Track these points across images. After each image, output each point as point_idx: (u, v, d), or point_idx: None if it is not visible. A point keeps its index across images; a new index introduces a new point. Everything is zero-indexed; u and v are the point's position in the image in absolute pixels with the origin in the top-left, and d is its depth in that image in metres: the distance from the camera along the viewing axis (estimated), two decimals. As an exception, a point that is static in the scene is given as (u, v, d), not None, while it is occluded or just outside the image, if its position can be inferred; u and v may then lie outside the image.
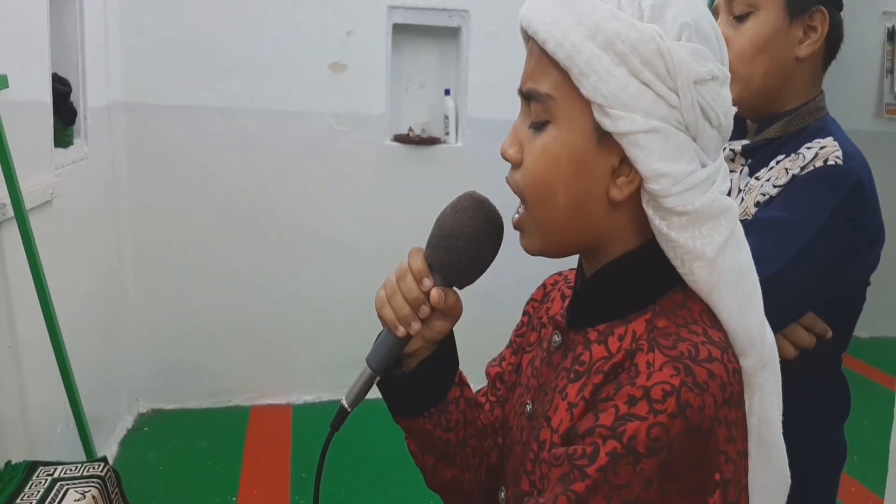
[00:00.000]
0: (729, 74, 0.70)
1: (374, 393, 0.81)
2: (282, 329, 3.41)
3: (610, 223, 0.70)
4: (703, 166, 0.68)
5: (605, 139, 0.67)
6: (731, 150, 1.18)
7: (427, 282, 0.74)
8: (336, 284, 3.43)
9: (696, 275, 0.68)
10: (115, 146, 3.08)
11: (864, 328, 4.27)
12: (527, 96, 0.70)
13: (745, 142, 1.18)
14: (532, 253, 0.74)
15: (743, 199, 1.13)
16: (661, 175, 0.65)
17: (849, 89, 4.22)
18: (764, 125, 1.16)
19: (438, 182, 3.45)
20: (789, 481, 0.79)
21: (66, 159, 2.50)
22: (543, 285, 0.90)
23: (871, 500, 2.72)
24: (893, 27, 4.47)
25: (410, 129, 3.52)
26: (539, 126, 0.69)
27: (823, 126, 1.13)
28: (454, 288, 0.76)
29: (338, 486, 2.68)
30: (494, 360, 0.91)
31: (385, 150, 3.46)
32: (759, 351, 0.71)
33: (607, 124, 0.66)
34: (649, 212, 0.67)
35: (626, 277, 0.71)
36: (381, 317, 0.77)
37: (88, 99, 2.72)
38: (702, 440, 0.61)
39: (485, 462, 0.85)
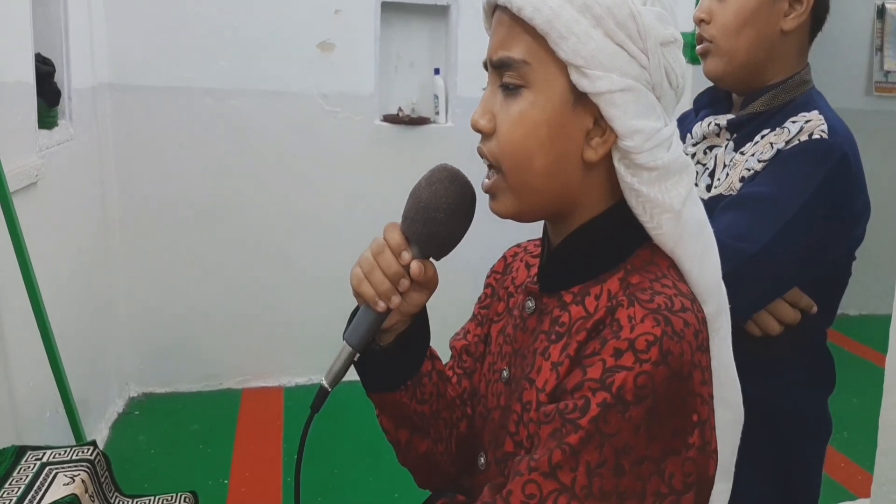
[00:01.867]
0: (682, 39, 0.73)
1: (350, 375, 0.80)
2: (272, 311, 3.40)
3: (583, 185, 0.73)
4: (666, 125, 0.72)
5: (581, 101, 0.70)
6: (716, 124, 1.17)
7: (406, 255, 0.75)
8: (326, 266, 3.42)
9: (664, 227, 0.71)
10: (101, 128, 3.05)
11: (854, 306, 4.29)
12: (498, 65, 0.72)
13: (730, 116, 1.17)
14: (503, 216, 0.75)
15: (728, 175, 1.12)
16: (636, 132, 0.69)
17: (839, 67, 4.22)
18: (749, 99, 1.16)
19: (429, 162, 3.36)
20: (743, 418, 0.82)
21: (51, 141, 2.47)
22: (504, 257, 0.92)
23: (860, 474, 2.74)
24: (883, 5, 4.46)
25: (400, 109, 3.50)
26: (513, 90, 0.71)
27: (809, 100, 1.12)
28: (431, 259, 0.77)
29: (327, 467, 2.69)
30: (458, 333, 0.92)
31: (375, 131, 3.44)
32: (717, 298, 0.75)
33: (585, 85, 0.68)
34: (621, 169, 0.71)
35: (596, 240, 0.74)
36: (359, 293, 0.77)
37: (73, 80, 2.68)
38: (681, 385, 0.65)
39: (454, 433, 0.87)
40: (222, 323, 3.34)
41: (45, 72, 2.46)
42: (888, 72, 4.48)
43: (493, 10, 0.73)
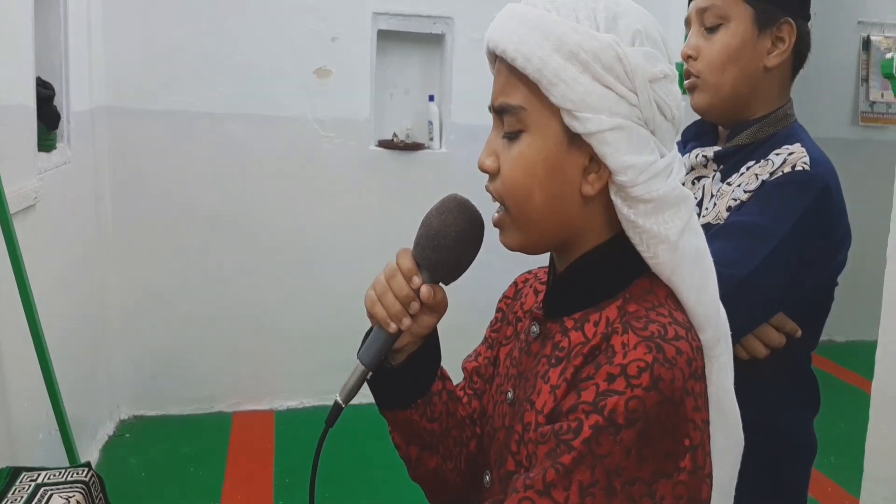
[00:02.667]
0: (676, 72, 0.76)
1: (358, 398, 0.83)
2: (265, 335, 3.41)
3: (583, 218, 0.77)
4: (662, 156, 0.75)
5: (575, 141, 0.74)
6: (703, 156, 1.21)
7: (416, 279, 0.79)
8: (320, 290, 3.43)
9: (661, 257, 0.75)
10: (98, 151, 3.07)
11: (840, 332, 4.33)
12: (499, 111, 0.77)
13: (716, 148, 1.21)
14: (512, 248, 0.80)
15: (715, 204, 1.16)
16: (628, 167, 0.72)
17: (825, 97, 4.31)
18: (735, 132, 1.20)
19: (423, 187, 3.47)
20: (743, 443, 0.84)
21: (50, 163, 2.49)
22: (515, 283, 0.96)
23: (847, 499, 2.76)
24: (868, 37, 4.56)
25: (395, 135, 3.54)
26: (513, 136, 0.76)
27: (792, 133, 1.17)
28: (440, 284, 0.81)
29: (324, 489, 2.69)
30: (470, 356, 0.96)
31: (370, 156, 3.48)
32: (715, 325, 0.78)
33: (577, 126, 0.72)
34: (617, 202, 0.74)
35: (597, 269, 0.78)
36: (372, 314, 0.81)
37: (72, 103, 2.71)
38: (673, 410, 0.68)
39: (464, 451, 0.90)
40: (214, 346, 3.35)
41: (44, 95, 2.49)
42: (873, 102, 4.57)
43: (496, 58, 0.78)
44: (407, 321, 0.79)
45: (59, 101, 2.62)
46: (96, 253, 3.05)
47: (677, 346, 0.69)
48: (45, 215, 2.37)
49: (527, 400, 0.78)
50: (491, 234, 0.82)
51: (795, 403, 1.19)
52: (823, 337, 1.20)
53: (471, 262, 0.81)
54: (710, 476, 0.72)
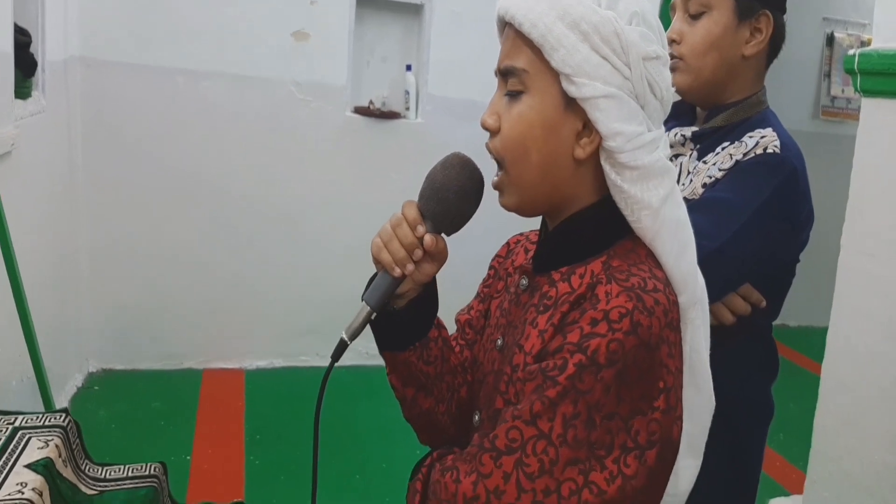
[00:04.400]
0: (669, 57, 0.84)
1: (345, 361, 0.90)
2: (237, 295, 3.43)
3: (574, 180, 0.84)
4: (650, 131, 0.82)
5: (571, 106, 0.80)
6: (681, 135, 1.29)
7: (421, 228, 0.86)
8: (292, 253, 3.46)
9: (643, 222, 0.82)
10: (72, 101, 3.04)
11: (793, 317, 4.51)
12: (504, 72, 0.83)
13: (694, 128, 1.30)
14: (509, 209, 0.87)
15: (692, 181, 1.24)
16: (617, 133, 0.79)
17: (789, 91, 4.44)
18: (711, 114, 1.29)
19: (397, 156, 3.51)
20: (714, 404, 0.92)
21: (25, 111, 2.47)
22: (507, 243, 1.04)
23: (794, 473, 2.93)
24: (832, 33, 4.70)
25: (371, 102, 3.56)
26: (514, 95, 0.83)
27: (764, 118, 1.26)
28: (442, 235, 0.88)
29: (291, 448, 2.75)
30: (463, 309, 1.04)
31: (345, 122, 3.50)
32: (692, 290, 0.85)
33: (573, 91, 0.79)
34: (606, 167, 0.81)
35: (584, 228, 0.85)
36: (378, 260, 0.88)
37: (47, 52, 2.67)
38: (649, 354, 0.75)
39: (455, 396, 0.98)
40: (185, 303, 3.36)
41: (22, 42, 2.46)
42: (834, 97, 4.72)
43: (504, 26, 0.85)
44: (410, 266, 0.86)
45: (34, 49, 2.58)
46: (68, 204, 3.03)
47: (655, 297, 0.76)
48: (21, 163, 2.36)
49: (515, 344, 0.86)
50: (488, 199, 0.89)
51: (756, 368, 1.29)
52: (777, 322, 1.30)
53: (471, 216, 0.88)
54: (680, 419, 0.79)
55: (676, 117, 1.36)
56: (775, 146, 1.19)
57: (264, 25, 3.31)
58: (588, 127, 0.80)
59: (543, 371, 0.76)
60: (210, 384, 3.28)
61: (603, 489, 0.73)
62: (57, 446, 1.70)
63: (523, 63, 0.81)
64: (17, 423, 1.75)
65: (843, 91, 4.70)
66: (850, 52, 2.00)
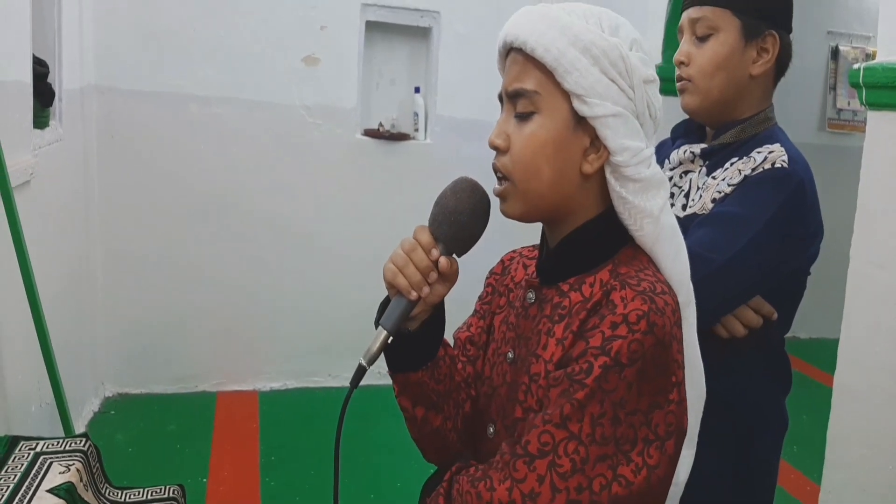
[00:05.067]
0: (659, 80, 0.90)
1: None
2: (249, 317, 3.45)
3: (579, 193, 0.89)
4: (647, 147, 0.88)
5: (580, 124, 0.86)
6: (691, 152, 1.32)
7: (436, 252, 0.90)
8: (303, 274, 3.49)
9: (645, 230, 0.87)
10: (87, 129, 3.08)
11: (805, 330, 4.50)
12: (513, 95, 0.88)
13: (703, 145, 1.32)
14: (512, 217, 0.91)
15: (701, 196, 1.26)
16: (625, 149, 0.85)
17: (794, 104, 4.44)
18: (720, 132, 1.31)
19: (407, 177, 3.55)
20: (705, 395, 0.97)
21: (44, 140, 2.51)
22: (502, 261, 1.07)
23: (808, 485, 2.91)
24: (837, 46, 4.72)
25: (381, 125, 3.60)
26: (525, 117, 0.87)
27: (772, 134, 1.28)
28: (454, 256, 0.91)
29: (306, 473, 2.76)
30: (461, 327, 1.06)
31: (355, 144, 3.53)
32: (686, 291, 0.91)
33: (585, 110, 0.84)
34: (611, 180, 0.87)
35: (590, 239, 0.90)
36: (394, 285, 0.90)
37: (63, 81, 2.72)
38: (664, 351, 0.81)
39: (460, 412, 1.00)
40: (199, 326, 3.39)
41: (40, 73, 2.50)
42: (840, 109, 4.73)
43: (508, 52, 0.89)
44: (426, 289, 0.89)
45: (52, 79, 2.63)
46: (84, 230, 3.07)
47: (665, 298, 0.82)
48: (39, 192, 2.39)
49: (531, 355, 0.89)
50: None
51: (769, 381, 1.30)
52: (788, 334, 1.31)
53: (480, 236, 0.92)
54: (686, 410, 0.84)
55: (686, 135, 1.39)
56: (783, 161, 1.21)
57: (275, 51, 3.36)
58: (595, 144, 0.86)
59: (570, 376, 0.80)
60: (224, 406, 3.30)
61: (630, 481, 0.78)
62: (78, 470, 1.72)
63: (534, 85, 0.86)
64: (38, 449, 1.77)
65: (849, 103, 4.71)
66: (855, 66, 2.02)
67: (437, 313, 0.95)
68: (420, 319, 0.94)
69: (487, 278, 1.07)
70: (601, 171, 0.87)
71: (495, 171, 0.90)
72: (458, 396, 0.99)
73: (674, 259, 0.89)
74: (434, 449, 1.02)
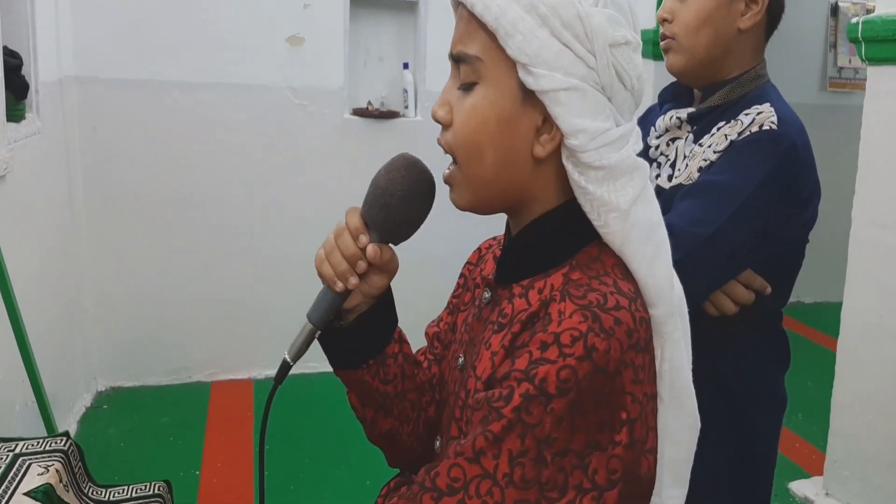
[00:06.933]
0: (640, 41, 0.75)
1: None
2: (241, 304, 3.40)
3: (534, 180, 0.75)
4: (618, 125, 0.73)
5: (529, 99, 0.71)
6: (677, 117, 1.23)
7: (363, 238, 0.79)
8: (295, 259, 3.42)
9: (611, 226, 0.73)
10: (69, 121, 3.02)
11: (808, 293, 4.43)
12: (456, 59, 0.75)
13: (690, 109, 1.23)
14: (461, 207, 0.79)
15: (688, 165, 1.19)
16: (580, 131, 0.70)
17: (793, 63, 4.34)
18: (708, 93, 1.22)
19: (398, 156, 3.47)
20: (699, 424, 0.83)
21: (19, 134, 2.45)
22: (479, 249, 0.95)
23: (813, 454, 2.86)
24: (836, 3, 4.59)
25: (369, 103, 3.52)
26: (467, 87, 0.74)
27: (763, 93, 1.19)
28: (390, 244, 0.81)
29: (301, 456, 2.72)
30: (433, 321, 0.96)
31: (344, 124, 3.46)
32: (668, 301, 0.75)
33: (531, 82, 0.70)
34: (569, 167, 0.72)
35: (547, 234, 0.76)
36: (320, 273, 0.81)
37: (40, 73, 2.66)
38: (608, 381, 0.66)
39: (422, 416, 0.90)
40: (191, 316, 3.34)
41: (12, 65, 2.44)
42: (841, 68, 4.62)
43: (458, 6, 0.75)
44: (354, 280, 0.79)
45: (26, 71, 2.57)
46: (69, 224, 3.02)
47: (616, 315, 0.67)
48: (16, 186, 2.34)
49: (471, 366, 0.78)
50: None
51: (766, 359, 1.22)
52: (791, 298, 1.23)
53: (420, 222, 0.80)
54: (652, 451, 0.70)
55: (674, 99, 1.30)
56: (772, 122, 1.12)
57: (258, 32, 3.27)
58: (548, 122, 0.72)
59: (489, 401, 0.68)
60: (219, 396, 3.25)
61: None
62: (57, 471, 1.68)
63: (476, 50, 0.72)
64: (17, 450, 1.73)
65: (850, 61, 4.59)
66: (854, 19, 1.93)
67: (382, 305, 0.84)
68: (359, 312, 0.83)
69: (462, 268, 0.95)
70: (559, 154, 0.73)
71: (442, 147, 0.77)
72: (418, 398, 0.89)
73: (651, 261, 0.74)
74: (392, 454, 0.93)
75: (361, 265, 0.79)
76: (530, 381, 0.66)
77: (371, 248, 0.78)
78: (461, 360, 0.83)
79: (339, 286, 0.79)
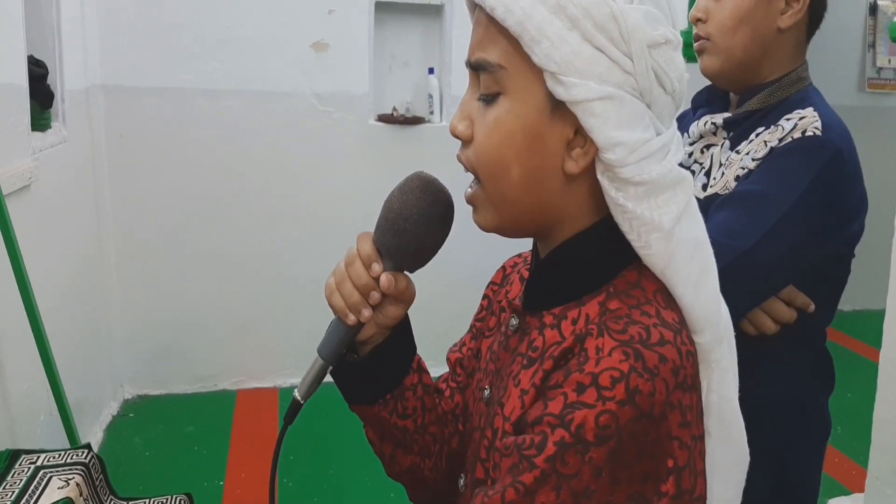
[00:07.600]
0: (681, 39, 0.67)
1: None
2: (267, 312, 3.39)
3: (565, 199, 0.67)
4: (658, 134, 0.66)
5: (559, 109, 0.64)
6: (712, 123, 1.17)
7: (376, 267, 0.72)
8: (321, 266, 3.38)
9: (653, 247, 0.65)
10: (94, 129, 3.04)
11: (848, 301, 4.28)
12: (476, 67, 0.67)
13: (726, 114, 1.17)
14: (485, 229, 0.71)
15: (724, 174, 1.12)
16: (617, 144, 0.63)
17: (831, 64, 4.23)
18: (745, 97, 1.16)
19: (423, 161, 3.39)
20: (748, 458, 0.77)
21: (45, 143, 2.46)
22: (503, 268, 0.88)
23: (854, 469, 2.75)
24: (875, 2, 4.47)
25: (395, 109, 3.49)
26: (489, 98, 0.67)
27: (805, 96, 1.12)
28: (405, 272, 0.74)
29: (322, 469, 2.69)
30: (455, 345, 0.88)
31: (369, 130, 3.43)
32: (715, 326, 0.69)
33: (561, 93, 0.63)
34: (605, 183, 0.65)
35: (580, 257, 0.69)
36: (330, 305, 0.75)
37: (66, 82, 2.67)
38: (653, 426, 0.59)
39: (445, 449, 0.83)
40: (217, 324, 3.34)
41: (37, 74, 2.45)
42: (880, 68, 4.49)
43: (475, 8, 0.68)
44: (367, 312, 0.72)
45: (52, 80, 2.59)
46: (96, 233, 3.03)
47: (661, 352, 0.60)
48: (41, 195, 2.34)
49: (498, 402, 0.71)
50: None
51: (808, 382, 1.14)
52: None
53: (437, 248, 0.73)
54: (701, 499, 0.63)
55: (708, 104, 1.24)
56: (816, 128, 1.05)
57: (283, 39, 3.27)
58: (581, 134, 0.64)
59: (519, 448, 0.61)
60: (244, 405, 3.25)
61: None
62: (78, 485, 1.66)
63: (498, 57, 0.65)
64: (38, 463, 1.72)
65: (889, 61, 4.46)
66: (895, 18, 1.85)
67: (398, 336, 0.77)
68: (374, 344, 0.77)
69: (486, 289, 0.87)
70: (592, 169, 0.65)
71: (463, 165, 0.70)
72: (440, 431, 0.82)
73: (696, 284, 0.66)
74: (412, 489, 0.86)
75: (375, 296, 0.72)
76: (566, 427, 0.59)
77: (385, 278, 0.72)
78: (487, 392, 0.76)
79: (352, 319, 0.73)
